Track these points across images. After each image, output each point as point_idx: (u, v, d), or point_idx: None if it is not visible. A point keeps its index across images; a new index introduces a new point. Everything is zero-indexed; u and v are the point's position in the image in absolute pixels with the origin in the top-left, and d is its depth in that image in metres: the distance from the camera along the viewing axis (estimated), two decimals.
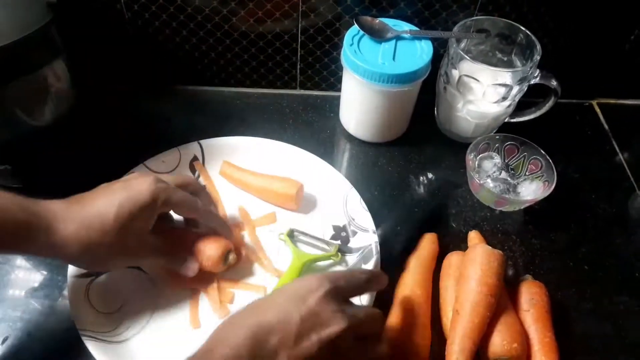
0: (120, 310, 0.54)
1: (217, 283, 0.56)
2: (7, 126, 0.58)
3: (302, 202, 0.63)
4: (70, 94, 0.62)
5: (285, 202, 0.62)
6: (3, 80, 0.54)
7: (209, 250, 0.54)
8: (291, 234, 0.60)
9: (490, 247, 0.55)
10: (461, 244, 0.62)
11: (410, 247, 0.61)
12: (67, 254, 0.45)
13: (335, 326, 0.38)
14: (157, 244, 0.50)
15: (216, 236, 0.55)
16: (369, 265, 0.57)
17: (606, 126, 0.79)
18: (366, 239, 0.60)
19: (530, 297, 0.55)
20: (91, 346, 0.49)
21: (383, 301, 0.55)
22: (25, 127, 0.59)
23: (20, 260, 0.59)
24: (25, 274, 0.58)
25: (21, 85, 0.55)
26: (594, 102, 0.82)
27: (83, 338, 0.50)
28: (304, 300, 0.38)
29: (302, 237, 0.61)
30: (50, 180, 0.62)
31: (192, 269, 0.53)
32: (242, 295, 0.56)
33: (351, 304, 0.42)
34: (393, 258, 0.60)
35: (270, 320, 0.37)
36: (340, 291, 0.40)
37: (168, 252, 0.52)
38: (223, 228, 0.56)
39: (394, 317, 0.53)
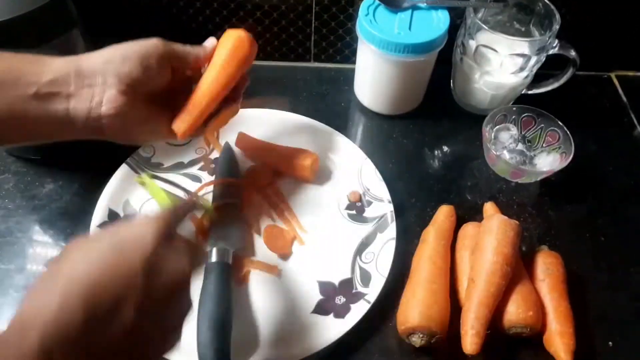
0: None
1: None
2: None
3: (317, 173, 0.64)
4: None
5: (301, 173, 0.62)
6: (18, 50, 0.54)
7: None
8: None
9: (506, 217, 0.55)
10: (476, 216, 0.62)
11: (425, 218, 0.61)
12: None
13: (179, 269, 0.37)
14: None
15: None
16: (385, 235, 0.58)
17: (624, 99, 0.78)
18: (381, 208, 0.60)
19: (546, 267, 0.55)
20: None
21: (399, 271, 0.56)
22: None
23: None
24: None
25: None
26: (613, 75, 0.81)
27: None
28: (141, 251, 0.35)
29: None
30: (68, 152, 0.63)
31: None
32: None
33: (176, 239, 0.40)
34: (408, 229, 0.60)
35: (104, 279, 0.33)
36: (168, 230, 0.38)
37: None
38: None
39: (413, 288, 0.53)
